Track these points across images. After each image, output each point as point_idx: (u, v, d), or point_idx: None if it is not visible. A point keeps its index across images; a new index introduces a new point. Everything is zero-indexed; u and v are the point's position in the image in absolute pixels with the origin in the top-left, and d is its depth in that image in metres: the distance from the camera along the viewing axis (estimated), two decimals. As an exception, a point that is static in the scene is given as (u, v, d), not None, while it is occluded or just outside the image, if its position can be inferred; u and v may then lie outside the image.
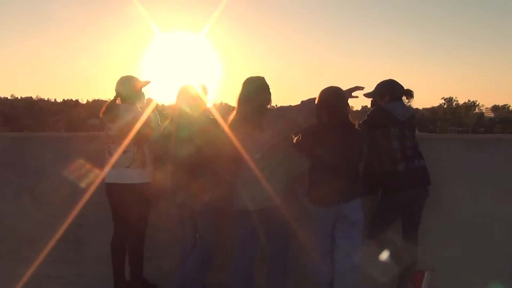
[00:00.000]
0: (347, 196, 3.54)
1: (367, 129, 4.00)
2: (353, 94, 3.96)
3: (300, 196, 3.78)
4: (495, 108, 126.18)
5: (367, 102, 4.29)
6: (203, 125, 3.84)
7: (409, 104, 4.07)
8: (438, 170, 4.10)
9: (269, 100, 3.85)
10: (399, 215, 4.00)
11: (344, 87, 3.83)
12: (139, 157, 4.02)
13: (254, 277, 3.92)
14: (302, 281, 4.25)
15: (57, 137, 5.29)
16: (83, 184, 4.59)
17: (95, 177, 4.40)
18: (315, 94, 3.73)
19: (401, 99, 4.05)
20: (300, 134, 3.61)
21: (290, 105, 3.94)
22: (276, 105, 4.53)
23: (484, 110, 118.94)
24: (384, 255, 3.86)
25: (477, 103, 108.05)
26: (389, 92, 4.02)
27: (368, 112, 4.06)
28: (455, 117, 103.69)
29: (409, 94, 4.08)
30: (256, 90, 3.79)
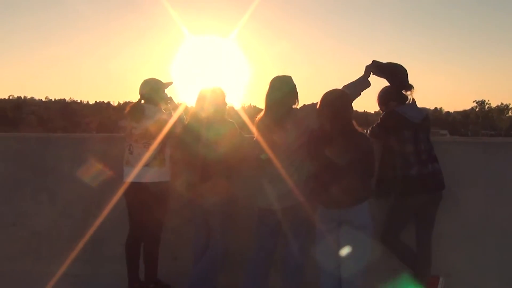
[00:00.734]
0: (350, 201, 3.43)
1: (380, 132, 3.95)
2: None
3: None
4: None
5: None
6: (221, 127, 3.88)
7: (411, 96, 3.98)
8: (454, 174, 4.02)
9: (295, 99, 3.80)
10: (412, 219, 3.93)
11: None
12: (159, 156, 4.08)
13: (268, 278, 3.89)
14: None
15: (75, 137, 5.39)
16: (100, 184, 4.69)
17: (111, 177, 4.49)
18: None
19: (406, 98, 3.98)
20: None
21: (313, 103, 3.79)
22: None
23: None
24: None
25: (510, 106, 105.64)
26: (392, 99, 3.98)
27: (381, 115, 4.00)
28: (487, 120, 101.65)
29: (408, 87, 3.98)
30: (282, 90, 3.75)
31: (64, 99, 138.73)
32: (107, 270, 4.56)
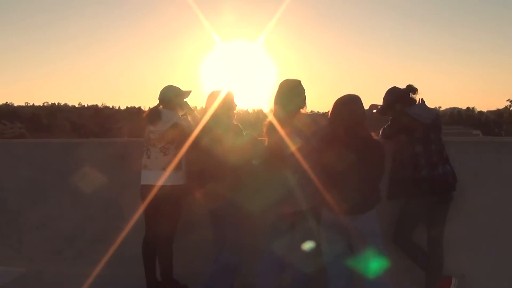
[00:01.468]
0: (361, 208, 3.41)
1: (391, 134, 3.96)
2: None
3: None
4: None
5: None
6: (226, 130, 3.91)
7: (417, 97, 3.97)
8: (467, 174, 3.99)
9: (302, 103, 3.77)
10: (423, 220, 3.93)
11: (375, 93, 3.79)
12: (176, 160, 4.16)
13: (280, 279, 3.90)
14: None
15: (96, 143, 5.54)
16: (119, 187, 4.85)
17: (130, 180, 4.62)
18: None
19: (415, 101, 3.97)
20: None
21: (324, 113, 3.82)
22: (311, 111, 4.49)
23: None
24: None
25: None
26: (397, 100, 3.97)
27: (392, 117, 4.01)
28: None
29: (412, 89, 3.98)
30: (290, 93, 3.73)
31: (96, 105, 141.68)
32: (127, 270, 4.67)
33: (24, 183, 5.22)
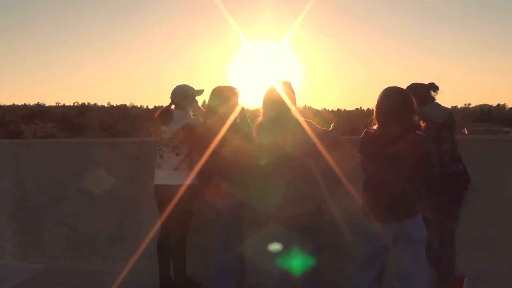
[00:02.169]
0: (407, 213, 3.16)
1: None
2: None
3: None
4: None
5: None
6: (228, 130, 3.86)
7: (436, 96, 3.88)
8: (480, 173, 3.90)
9: (292, 104, 3.64)
10: (434, 219, 3.85)
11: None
12: (187, 159, 4.20)
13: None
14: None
15: (112, 142, 5.64)
16: (135, 186, 4.92)
17: (145, 180, 4.68)
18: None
19: (433, 99, 3.88)
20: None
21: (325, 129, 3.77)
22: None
23: None
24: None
25: None
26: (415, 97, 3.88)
27: None
28: None
29: (434, 87, 3.88)
30: (276, 97, 3.61)
31: (125, 105, 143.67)
32: (142, 268, 4.74)
33: (44, 181, 5.35)
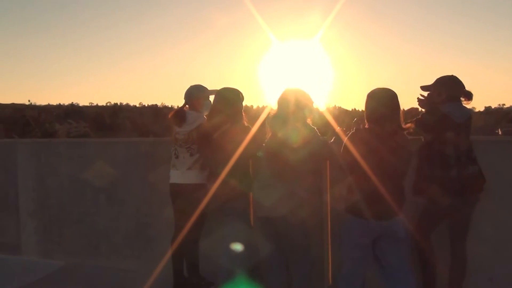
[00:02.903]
0: (394, 212, 3.25)
1: (419, 130, 3.82)
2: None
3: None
4: None
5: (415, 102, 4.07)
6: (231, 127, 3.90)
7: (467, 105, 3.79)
8: (493, 174, 3.81)
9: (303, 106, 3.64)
10: (446, 220, 3.79)
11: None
12: (201, 160, 4.24)
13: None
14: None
15: (129, 141, 5.75)
16: (150, 185, 4.99)
17: (161, 179, 4.75)
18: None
19: (459, 99, 3.77)
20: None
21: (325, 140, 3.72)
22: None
23: None
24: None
25: None
26: (447, 90, 3.74)
27: (423, 112, 3.85)
28: None
29: (469, 95, 3.78)
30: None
31: (156, 105, 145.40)
32: (157, 266, 4.82)
33: (65, 180, 5.50)
